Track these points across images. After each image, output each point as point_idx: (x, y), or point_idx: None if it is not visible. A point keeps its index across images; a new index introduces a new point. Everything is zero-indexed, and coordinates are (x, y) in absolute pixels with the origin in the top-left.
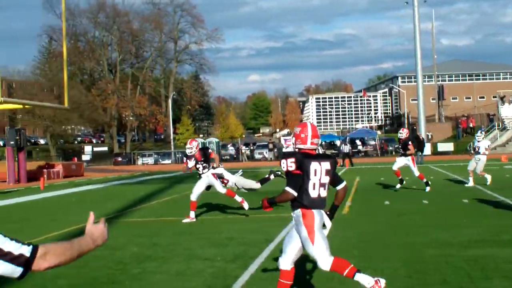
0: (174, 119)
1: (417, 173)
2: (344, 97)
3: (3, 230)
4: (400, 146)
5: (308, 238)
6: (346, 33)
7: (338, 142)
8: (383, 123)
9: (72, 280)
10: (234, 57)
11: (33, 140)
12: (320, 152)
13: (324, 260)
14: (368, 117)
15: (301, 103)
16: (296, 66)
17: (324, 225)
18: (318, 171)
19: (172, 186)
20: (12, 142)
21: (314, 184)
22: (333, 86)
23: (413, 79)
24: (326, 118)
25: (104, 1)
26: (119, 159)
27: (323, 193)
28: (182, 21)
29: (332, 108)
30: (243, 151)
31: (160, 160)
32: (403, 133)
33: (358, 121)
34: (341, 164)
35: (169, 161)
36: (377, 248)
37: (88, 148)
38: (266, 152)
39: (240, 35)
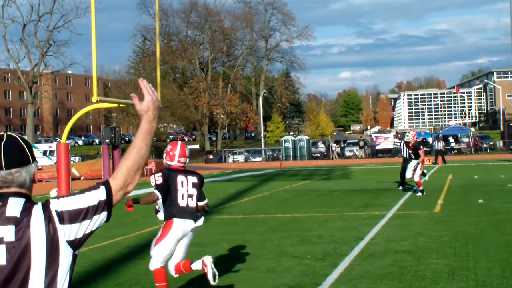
0: (265, 116)
1: (416, 178)
2: (437, 93)
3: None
4: (410, 152)
5: (156, 240)
6: (440, 29)
7: (430, 140)
8: (477, 120)
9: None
10: (324, 54)
11: (127, 138)
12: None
13: (154, 263)
14: (461, 113)
15: (392, 100)
16: (387, 63)
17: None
18: (185, 183)
19: (262, 184)
20: (107, 140)
21: (182, 195)
22: (425, 83)
23: (509, 75)
24: (418, 115)
25: (196, 0)
26: (210, 156)
27: (192, 203)
28: (273, 19)
29: (424, 104)
30: (333, 148)
31: (251, 158)
32: (410, 136)
33: (451, 118)
34: (434, 161)
35: (260, 159)
36: (471, 247)
37: None
38: (356, 150)
39: (330, 32)
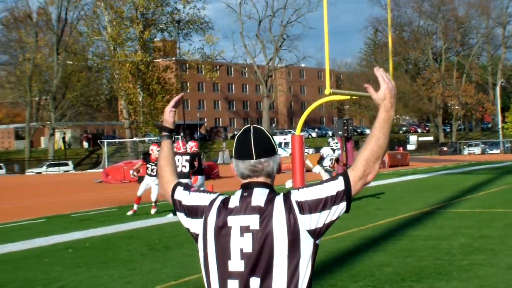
0: (503, 107)
1: None
2: None
3: None
4: None
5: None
6: None
7: None
8: None
9: (398, 269)
10: None
11: (359, 130)
12: None
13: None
14: None
15: None
16: None
17: None
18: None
19: (500, 177)
20: (340, 132)
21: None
22: None
23: None
24: None
25: None
26: (444, 148)
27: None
28: (511, 5)
29: None
30: None
31: (488, 150)
32: None
33: None
34: None
35: (497, 151)
36: None
37: (413, 138)
38: None
39: None
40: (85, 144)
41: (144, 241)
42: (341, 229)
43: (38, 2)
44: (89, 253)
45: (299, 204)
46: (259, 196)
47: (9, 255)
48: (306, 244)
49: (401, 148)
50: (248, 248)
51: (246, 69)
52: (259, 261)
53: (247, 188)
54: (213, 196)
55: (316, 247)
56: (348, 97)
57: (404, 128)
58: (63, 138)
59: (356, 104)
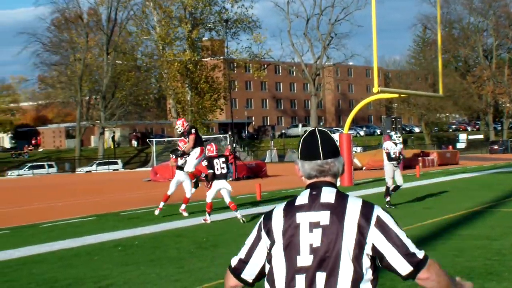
0: None
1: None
2: None
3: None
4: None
5: None
6: None
7: None
8: None
9: (448, 269)
10: None
11: (408, 129)
12: None
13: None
14: None
15: None
16: None
17: None
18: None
19: None
20: (388, 131)
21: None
22: None
23: None
24: None
25: None
26: (495, 147)
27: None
28: None
29: None
30: None
31: None
32: None
33: None
34: None
35: None
36: None
37: (463, 136)
38: None
39: None
40: (134, 143)
41: (192, 240)
42: None
43: (89, 3)
44: (137, 251)
45: (379, 219)
46: (328, 194)
47: (60, 252)
48: (370, 247)
49: (450, 147)
50: (317, 243)
51: (294, 67)
52: (327, 256)
53: (315, 188)
54: (262, 217)
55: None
56: (397, 95)
57: (453, 127)
58: (113, 137)
59: (405, 102)
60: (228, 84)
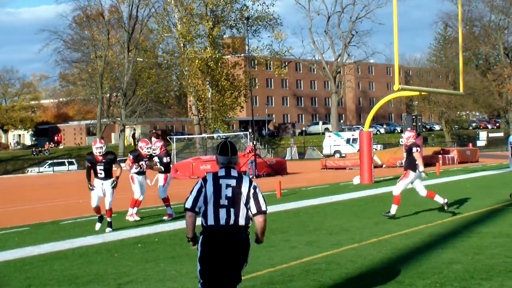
0: None
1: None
2: None
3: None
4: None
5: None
6: None
7: None
8: None
9: (467, 266)
10: None
11: (428, 126)
12: None
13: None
14: None
15: None
16: None
17: None
18: None
19: None
20: (409, 128)
21: None
22: None
23: None
24: None
25: None
26: None
27: None
28: None
29: None
30: None
31: None
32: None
33: None
34: None
35: None
36: None
37: (483, 134)
38: None
39: None
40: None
41: None
42: (408, 225)
43: (110, 1)
44: (157, 248)
45: (255, 187)
46: (234, 172)
47: (81, 249)
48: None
49: (470, 145)
50: (229, 194)
51: (315, 65)
52: (234, 200)
53: (229, 168)
54: (201, 179)
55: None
56: (417, 93)
57: (474, 124)
58: (133, 134)
59: (425, 100)
60: (249, 82)
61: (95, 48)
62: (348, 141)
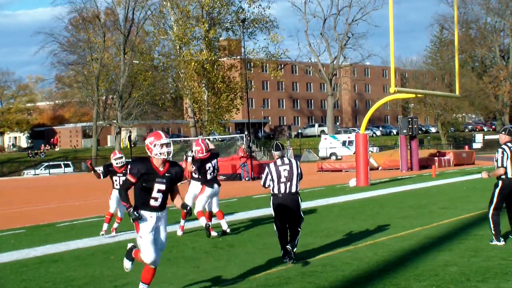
0: None
1: None
2: None
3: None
4: None
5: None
6: None
7: None
8: None
9: (463, 269)
10: None
11: (424, 129)
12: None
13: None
14: None
15: None
16: None
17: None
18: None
19: None
20: (404, 131)
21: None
22: None
23: None
24: None
25: None
26: None
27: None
28: None
29: None
30: None
31: None
32: None
33: None
34: None
35: None
36: None
37: (479, 136)
38: None
39: None
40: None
41: (208, 239)
42: (405, 228)
43: (106, 3)
44: None
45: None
46: (286, 160)
47: (77, 251)
48: None
49: (466, 147)
50: (286, 173)
51: (311, 67)
52: (290, 177)
53: (282, 158)
54: (267, 165)
55: None
56: (413, 95)
57: (470, 127)
58: (129, 137)
59: (421, 102)
60: (245, 84)
61: (91, 50)
62: (344, 143)
